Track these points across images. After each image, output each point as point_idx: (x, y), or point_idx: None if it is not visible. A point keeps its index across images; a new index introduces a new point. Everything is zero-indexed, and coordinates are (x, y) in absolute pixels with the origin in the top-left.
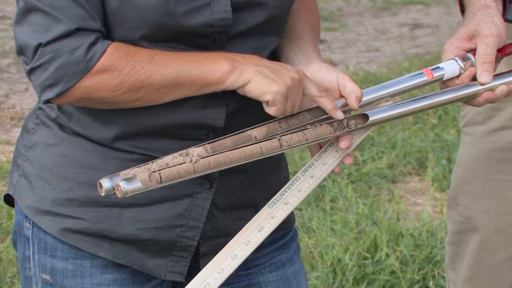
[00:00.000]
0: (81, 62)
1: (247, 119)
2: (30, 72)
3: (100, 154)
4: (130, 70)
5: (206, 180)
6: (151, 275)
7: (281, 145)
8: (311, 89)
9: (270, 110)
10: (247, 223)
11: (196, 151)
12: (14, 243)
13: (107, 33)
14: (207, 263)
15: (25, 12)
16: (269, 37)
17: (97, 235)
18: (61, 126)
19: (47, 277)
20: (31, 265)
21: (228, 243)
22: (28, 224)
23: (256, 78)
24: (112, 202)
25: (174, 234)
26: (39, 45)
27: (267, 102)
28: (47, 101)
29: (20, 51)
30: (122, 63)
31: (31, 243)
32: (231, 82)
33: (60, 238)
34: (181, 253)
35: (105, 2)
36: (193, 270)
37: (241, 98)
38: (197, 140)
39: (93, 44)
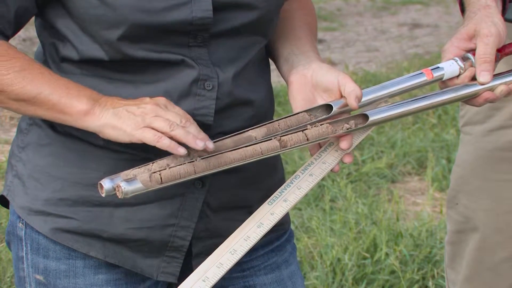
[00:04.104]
0: None
1: (237, 117)
2: None
3: (92, 154)
4: None
5: (198, 179)
6: (144, 275)
7: (281, 146)
8: (181, 112)
9: (156, 144)
10: (240, 224)
11: (196, 152)
12: (8, 244)
13: (90, 36)
14: (199, 264)
15: None
16: (255, 37)
17: (88, 234)
18: (53, 126)
19: (40, 277)
20: (24, 265)
21: (228, 238)
22: (21, 224)
23: (111, 122)
24: (104, 201)
25: (165, 234)
26: None
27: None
28: None
29: None
30: None
31: (24, 244)
32: (85, 123)
33: (52, 238)
34: (173, 253)
35: (75, 5)
36: (186, 272)
37: (229, 94)
38: None
39: None
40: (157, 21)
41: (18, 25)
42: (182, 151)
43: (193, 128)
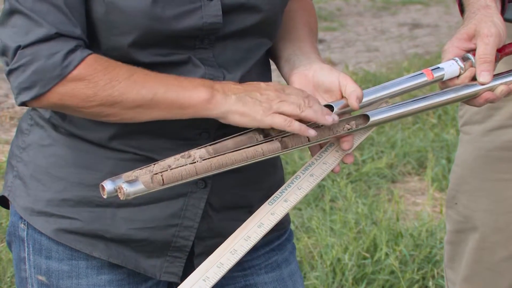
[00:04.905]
0: (57, 67)
1: None
2: (9, 74)
3: (94, 154)
4: (106, 84)
5: (201, 180)
6: (147, 275)
7: (282, 147)
8: (299, 92)
9: (287, 129)
10: (241, 224)
11: (198, 153)
12: (9, 244)
13: (97, 41)
14: (201, 264)
15: (8, 14)
16: (261, 39)
17: (91, 235)
18: (55, 127)
19: (42, 278)
20: (26, 266)
21: (228, 238)
22: (23, 225)
23: (237, 108)
24: (106, 202)
25: (168, 234)
26: (18, 47)
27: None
28: (23, 104)
29: (2, 52)
30: (99, 75)
31: (26, 244)
32: (209, 111)
33: (55, 239)
34: (176, 253)
35: (91, 9)
36: (188, 271)
37: None
38: (191, 140)
39: (72, 51)
40: (169, 28)
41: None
42: (313, 133)
43: (317, 106)
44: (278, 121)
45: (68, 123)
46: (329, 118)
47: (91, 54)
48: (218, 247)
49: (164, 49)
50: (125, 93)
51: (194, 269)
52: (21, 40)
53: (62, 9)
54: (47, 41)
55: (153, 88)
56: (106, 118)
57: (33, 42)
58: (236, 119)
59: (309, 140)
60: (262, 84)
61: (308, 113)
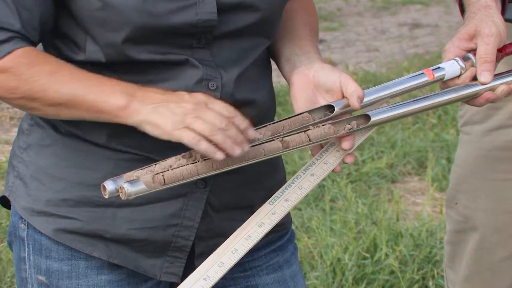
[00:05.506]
0: None
1: None
2: None
3: (94, 154)
4: (28, 78)
5: (201, 179)
6: (147, 275)
7: (283, 146)
8: (222, 110)
9: (194, 147)
10: (242, 224)
11: (199, 153)
12: (10, 244)
13: (93, 38)
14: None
15: None
16: (258, 39)
17: (91, 235)
18: (55, 127)
19: (42, 278)
20: (27, 266)
21: (229, 238)
22: (23, 225)
23: (151, 118)
24: (106, 202)
25: (168, 234)
26: None
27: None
28: None
29: None
30: (23, 69)
31: (26, 244)
32: (123, 119)
33: (55, 239)
34: (176, 253)
35: (81, 6)
36: (188, 271)
37: (233, 95)
38: None
39: (2, 41)
40: (162, 24)
41: (43, 31)
42: (220, 156)
43: (233, 131)
44: (186, 137)
45: (67, 123)
46: (238, 150)
47: (23, 47)
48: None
49: (160, 47)
50: (44, 90)
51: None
52: None
53: (7, 3)
54: None
55: (73, 88)
56: (31, 111)
57: None
58: (149, 130)
59: (310, 140)
60: (186, 95)
61: (217, 138)
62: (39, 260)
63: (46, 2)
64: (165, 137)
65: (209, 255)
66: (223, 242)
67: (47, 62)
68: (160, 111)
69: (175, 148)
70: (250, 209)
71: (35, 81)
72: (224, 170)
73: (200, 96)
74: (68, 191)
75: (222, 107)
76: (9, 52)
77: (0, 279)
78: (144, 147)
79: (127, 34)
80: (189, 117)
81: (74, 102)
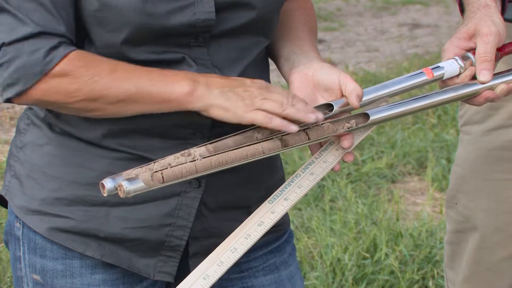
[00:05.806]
0: (39, 64)
1: None
2: None
3: (88, 153)
4: (88, 79)
5: (195, 179)
6: (141, 275)
7: (282, 145)
8: (283, 91)
9: (268, 126)
10: (239, 224)
11: (198, 151)
12: (6, 243)
13: (91, 39)
14: (197, 264)
15: None
16: (256, 37)
17: (85, 234)
18: (50, 126)
19: (37, 277)
20: (22, 265)
21: (228, 237)
22: (18, 224)
23: (219, 102)
24: (101, 201)
25: (162, 233)
26: (2, 45)
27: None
28: (8, 100)
29: None
30: (82, 71)
31: (21, 243)
32: (191, 104)
33: (49, 238)
34: (169, 253)
35: (83, 6)
36: (183, 271)
37: None
38: (184, 139)
39: (54, 48)
40: (161, 24)
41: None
42: (294, 128)
43: (301, 104)
44: (259, 118)
45: (63, 122)
46: (312, 116)
47: (74, 50)
48: (213, 247)
49: (158, 47)
50: (107, 88)
51: (190, 270)
52: (5, 37)
53: (48, 7)
54: (30, 39)
55: (137, 83)
56: (90, 113)
57: (17, 40)
58: (218, 113)
59: (309, 139)
60: (247, 80)
61: (290, 111)
62: (34, 259)
63: (72, 3)
64: (235, 120)
65: (204, 255)
66: (218, 243)
67: (102, 61)
68: (228, 95)
69: (170, 148)
70: (246, 209)
71: (96, 81)
72: (223, 168)
73: (260, 81)
74: (62, 190)
75: (282, 89)
76: (64, 56)
77: (0, 279)
78: (138, 146)
79: (127, 34)
80: (258, 100)
81: (138, 96)
